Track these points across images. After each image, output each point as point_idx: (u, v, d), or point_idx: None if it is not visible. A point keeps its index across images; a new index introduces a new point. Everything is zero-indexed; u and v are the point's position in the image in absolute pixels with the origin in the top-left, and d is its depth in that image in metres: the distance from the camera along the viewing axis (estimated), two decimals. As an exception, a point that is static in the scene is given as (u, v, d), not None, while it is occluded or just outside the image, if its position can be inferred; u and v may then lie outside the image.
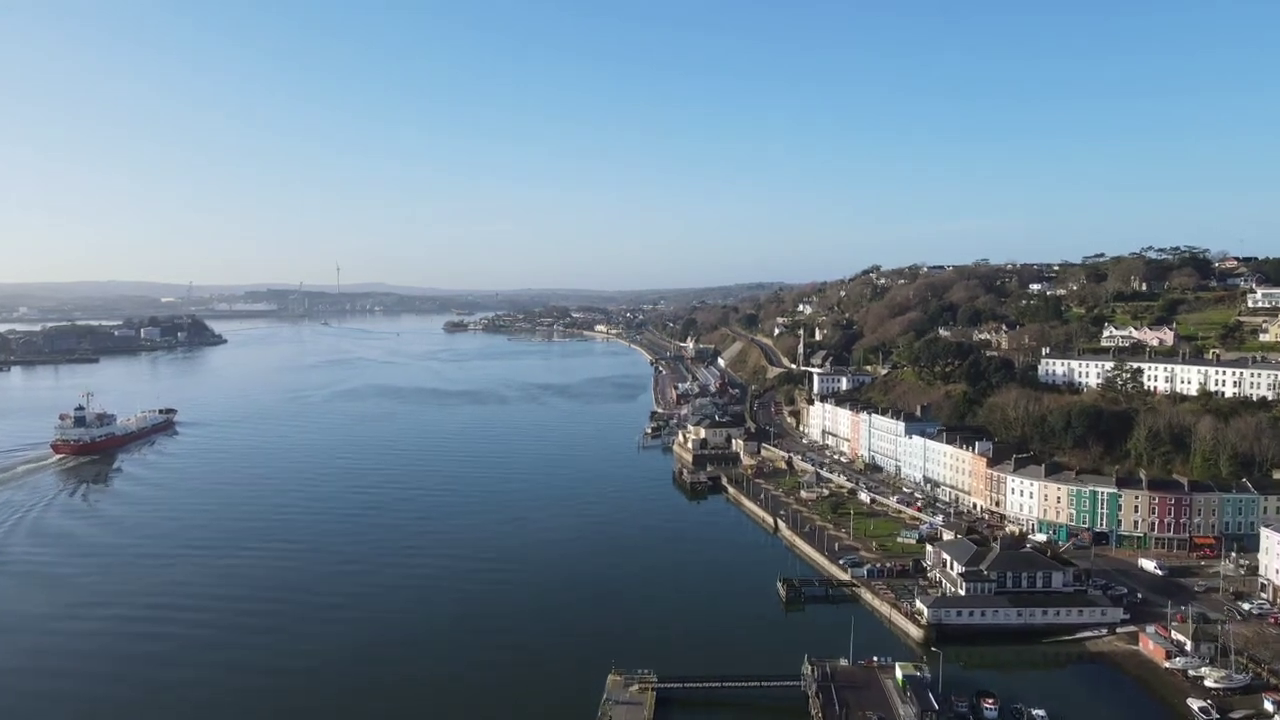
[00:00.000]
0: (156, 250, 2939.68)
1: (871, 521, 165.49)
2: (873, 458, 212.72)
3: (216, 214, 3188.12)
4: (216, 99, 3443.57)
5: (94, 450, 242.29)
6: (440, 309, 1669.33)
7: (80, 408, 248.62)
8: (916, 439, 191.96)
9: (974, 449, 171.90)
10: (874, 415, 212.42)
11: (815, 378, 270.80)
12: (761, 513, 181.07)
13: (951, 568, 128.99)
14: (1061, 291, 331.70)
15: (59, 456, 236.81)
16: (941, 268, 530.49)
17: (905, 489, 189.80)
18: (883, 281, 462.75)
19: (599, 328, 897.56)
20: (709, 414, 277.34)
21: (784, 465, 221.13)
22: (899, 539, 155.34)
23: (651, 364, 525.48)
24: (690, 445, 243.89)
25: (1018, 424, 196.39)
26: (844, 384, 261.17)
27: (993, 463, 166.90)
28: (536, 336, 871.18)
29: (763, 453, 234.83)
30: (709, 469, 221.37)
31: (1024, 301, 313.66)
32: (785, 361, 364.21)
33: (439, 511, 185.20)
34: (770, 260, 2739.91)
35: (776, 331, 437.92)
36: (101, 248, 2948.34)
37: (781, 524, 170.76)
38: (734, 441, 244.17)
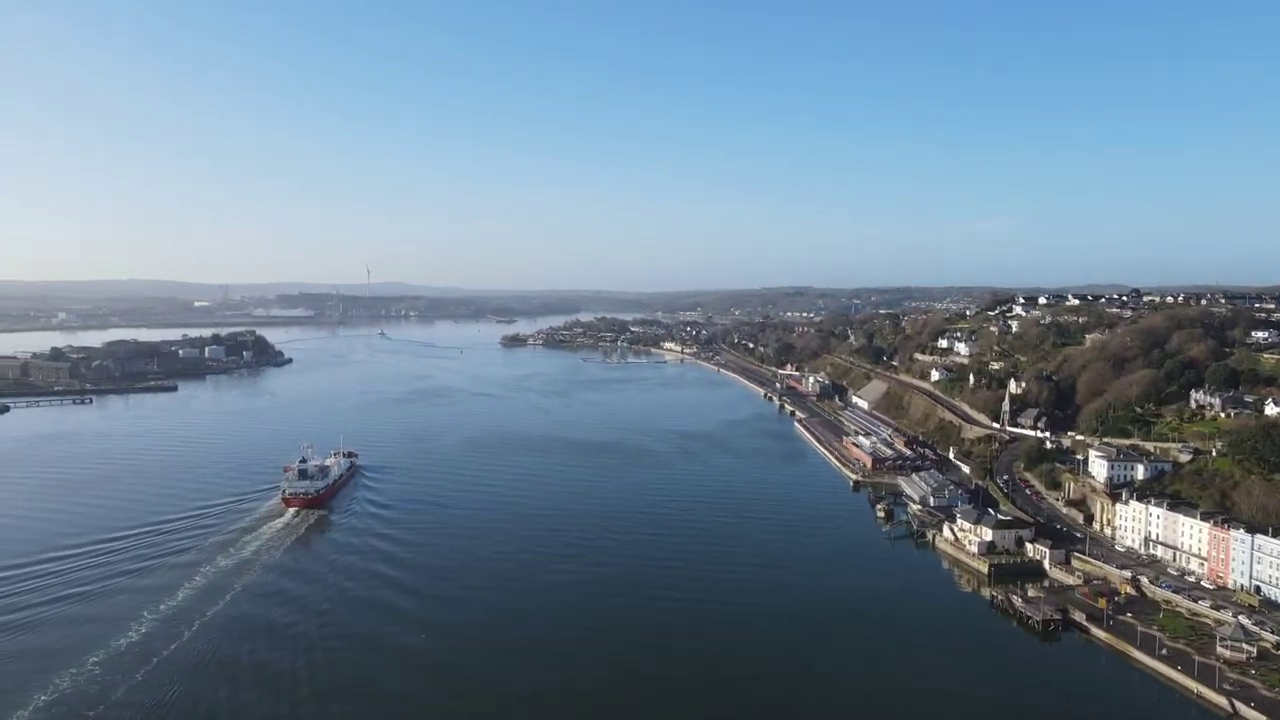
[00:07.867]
0: (172, 248, 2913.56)
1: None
2: (1256, 588, 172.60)
3: (225, 211, 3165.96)
4: (214, 101, 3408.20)
5: (318, 503, 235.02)
6: (475, 314, 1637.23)
7: (304, 459, 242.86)
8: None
9: None
10: (1258, 536, 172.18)
11: (1098, 461, 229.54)
12: (1185, 680, 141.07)
13: None
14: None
15: (292, 510, 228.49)
16: (1087, 298, 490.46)
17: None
18: (1046, 318, 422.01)
19: (668, 345, 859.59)
20: (956, 499, 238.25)
21: (1129, 590, 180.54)
22: None
23: (770, 400, 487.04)
24: (974, 548, 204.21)
25: None
26: (1140, 471, 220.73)
27: None
28: (599, 353, 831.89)
29: (1075, 564, 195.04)
30: (1029, 591, 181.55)
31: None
32: (983, 419, 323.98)
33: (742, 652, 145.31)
34: (794, 262, 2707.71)
35: (935, 375, 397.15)
36: (109, 244, 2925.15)
37: (1244, 709, 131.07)
38: (1027, 545, 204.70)
